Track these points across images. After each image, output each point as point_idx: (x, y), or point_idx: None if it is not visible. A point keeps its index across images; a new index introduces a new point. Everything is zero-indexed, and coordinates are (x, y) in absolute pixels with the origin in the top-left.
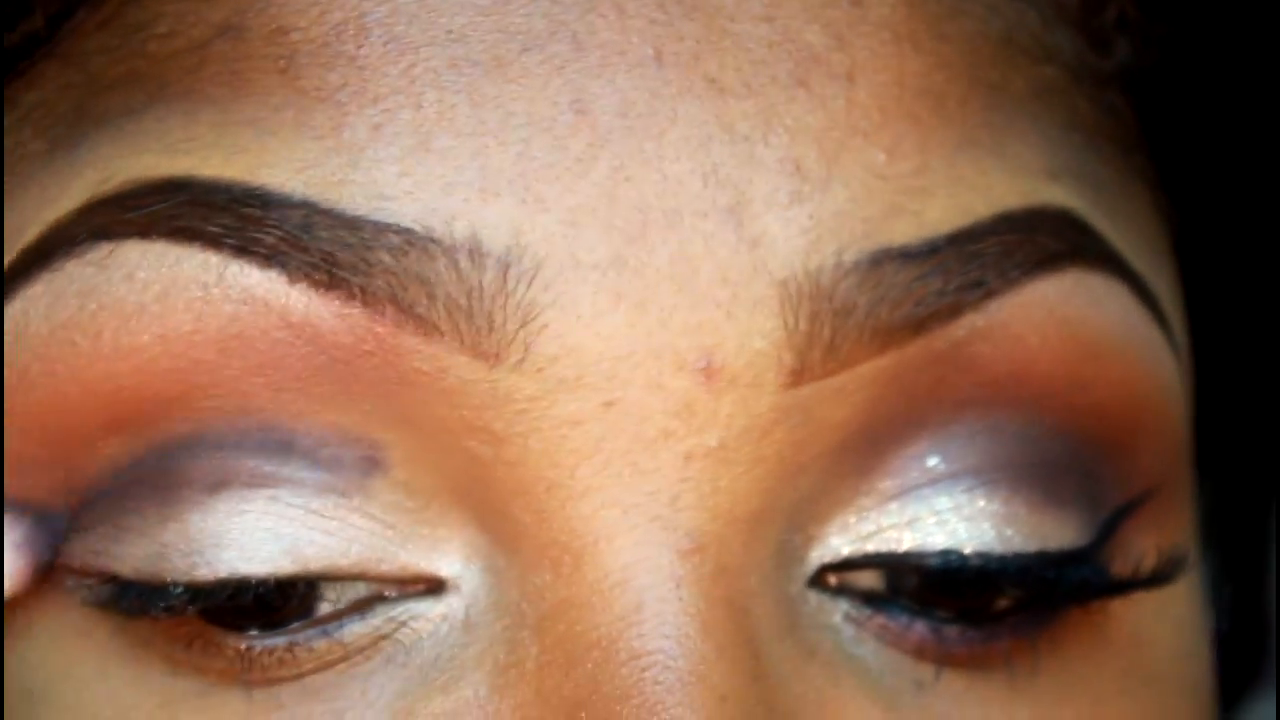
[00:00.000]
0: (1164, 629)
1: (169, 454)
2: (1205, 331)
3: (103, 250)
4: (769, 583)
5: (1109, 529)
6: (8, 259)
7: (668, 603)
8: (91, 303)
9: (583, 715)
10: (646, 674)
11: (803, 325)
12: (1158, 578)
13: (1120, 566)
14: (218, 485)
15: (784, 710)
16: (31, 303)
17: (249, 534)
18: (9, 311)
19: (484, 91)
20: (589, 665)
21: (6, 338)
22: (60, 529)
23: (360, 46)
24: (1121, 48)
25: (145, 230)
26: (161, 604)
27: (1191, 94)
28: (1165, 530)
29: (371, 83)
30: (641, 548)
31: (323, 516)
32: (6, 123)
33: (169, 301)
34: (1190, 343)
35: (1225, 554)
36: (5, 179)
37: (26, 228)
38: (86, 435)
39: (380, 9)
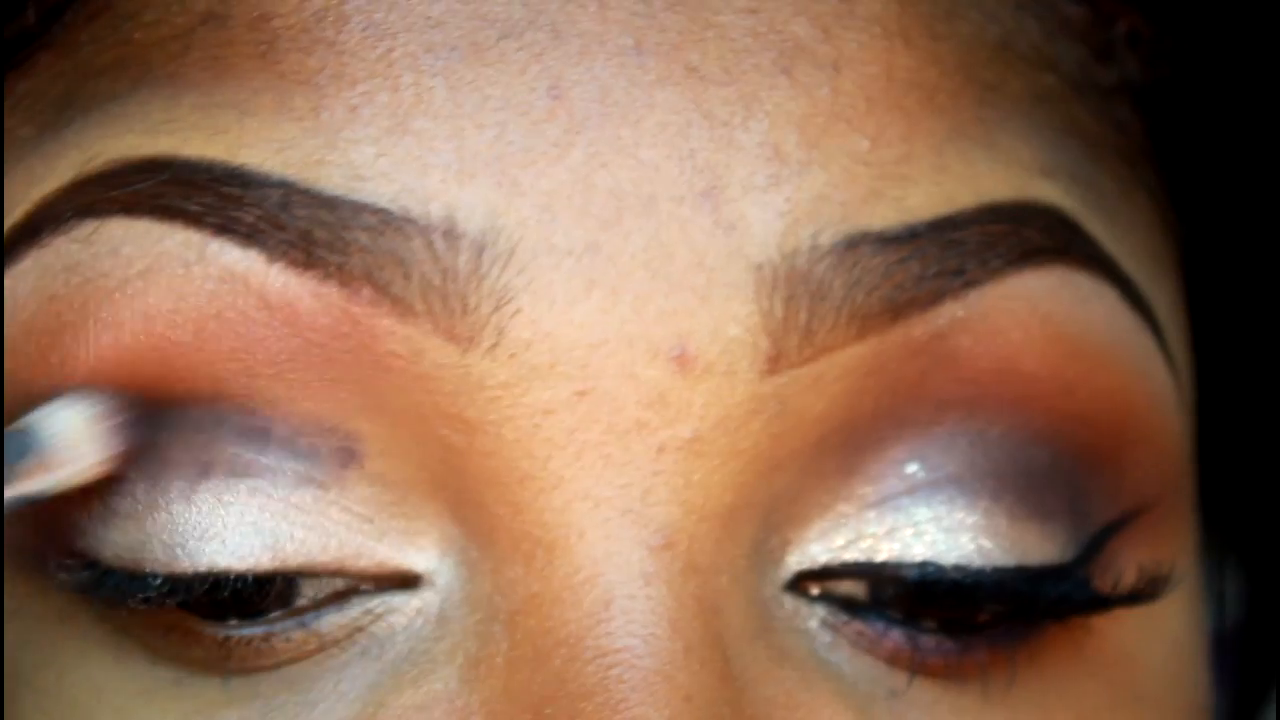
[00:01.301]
0: (1153, 646)
1: (156, 431)
2: (1214, 344)
3: (88, 227)
4: (741, 583)
5: (1095, 546)
6: None
7: (636, 600)
8: (76, 277)
9: (549, 712)
10: (611, 672)
11: (778, 310)
12: (1139, 595)
13: (1103, 583)
14: (203, 471)
15: (751, 713)
16: (19, 279)
17: (231, 528)
18: None
19: (461, 76)
20: (556, 662)
21: None
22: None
23: (339, 32)
24: (1129, 62)
25: (129, 208)
26: (140, 595)
27: (1201, 110)
28: (1155, 548)
29: (349, 66)
30: (612, 542)
31: (302, 510)
32: None
33: (151, 278)
34: (1194, 358)
35: (1242, 558)
36: None
37: (14, 207)
38: None
39: None
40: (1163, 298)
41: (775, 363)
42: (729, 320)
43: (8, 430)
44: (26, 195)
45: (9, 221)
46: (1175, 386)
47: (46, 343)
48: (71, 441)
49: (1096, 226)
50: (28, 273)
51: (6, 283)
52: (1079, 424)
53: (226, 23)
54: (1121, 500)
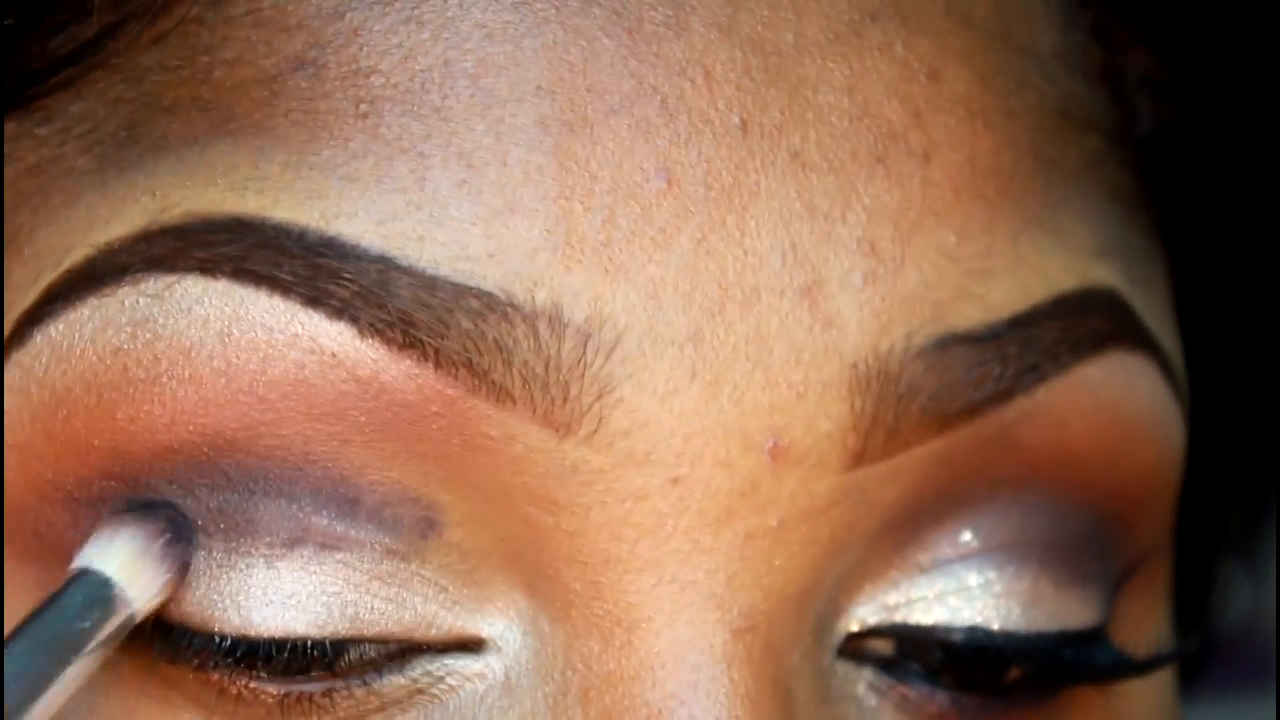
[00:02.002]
0: (1154, 696)
1: (242, 496)
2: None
3: (160, 282)
4: (808, 658)
5: (1111, 599)
6: (50, 277)
7: (719, 682)
8: (146, 333)
9: None
10: None
11: (869, 408)
12: (1172, 656)
13: (1125, 638)
14: (292, 542)
15: None
16: (76, 326)
17: (315, 596)
18: (48, 331)
19: (572, 153)
20: None
21: (40, 358)
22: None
23: (445, 97)
24: (1144, 104)
25: (208, 267)
26: (204, 653)
27: (1196, 145)
28: (1153, 593)
29: (457, 136)
30: (696, 625)
31: (383, 582)
32: (44, 131)
33: (231, 341)
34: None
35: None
36: (45, 190)
37: (72, 248)
38: (143, 460)
39: (467, 60)
40: (1175, 347)
41: (860, 458)
42: (822, 416)
43: (71, 579)
44: (86, 238)
45: (66, 262)
46: (1183, 437)
47: (113, 398)
48: (132, 575)
49: (1138, 299)
50: (86, 321)
51: (59, 328)
52: (1116, 495)
53: (320, 72)
54: (1129, 554)
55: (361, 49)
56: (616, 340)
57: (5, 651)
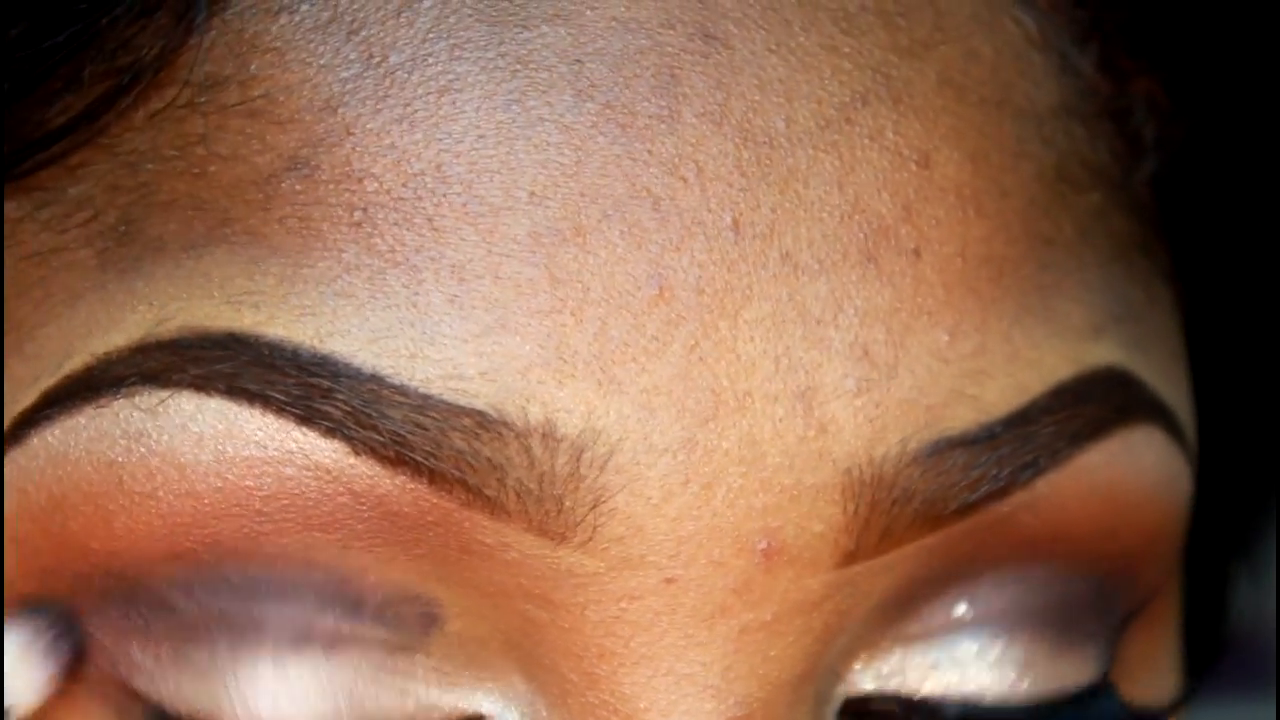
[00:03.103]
0: None
1: (245, 599)
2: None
3: (154, 397)
4: None
5: (1113, 645)
6: (50, 380)
7: None
8: (141, 447)
9: None
10: None
11: (862, 512)
12: (1172, 707)
13: (1130, 676)
14: (298, 641)
15: None
16: (72, 434)
17: (323, 692)
18: (45, 435)
19: (564, 265)
20: None
21: (37, 459)
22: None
23: (438, 205)
24: (1148, 131)
25: (202, 384)
26: None
27: (1205, 166)
28: (1166, 623)
29: (450, 248)
30: (693, 714)
31: (391, 674)
32: (45, 216)
33: (226, 458)
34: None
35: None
36: (46, 282)
37: (73, 354)
38: (143, 565)
39: (460, 164)
40: (1182, 395)
41: (852, 557)
42: (815, 519)
43: None
44: (86, 345)
45: (66, 368)
46: (1191, 480)
47: (110, 508)
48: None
49: (1143, 364)
50: (82, 429)
51: (55, 433)
52: (1117, 558)
53: (314, 174)
54: (1137, 597)
55: (354, 149)
56: (610, 452)
57: None
